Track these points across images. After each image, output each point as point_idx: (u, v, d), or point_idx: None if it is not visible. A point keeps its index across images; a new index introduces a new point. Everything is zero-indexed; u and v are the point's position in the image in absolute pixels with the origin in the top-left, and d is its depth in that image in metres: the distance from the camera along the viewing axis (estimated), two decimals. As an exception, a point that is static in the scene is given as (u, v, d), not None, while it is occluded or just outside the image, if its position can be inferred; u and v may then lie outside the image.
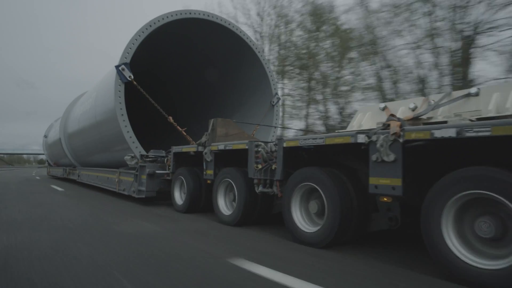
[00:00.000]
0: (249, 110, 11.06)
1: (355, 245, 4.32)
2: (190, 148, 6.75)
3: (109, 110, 8.88)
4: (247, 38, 10.19)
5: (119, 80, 8.35)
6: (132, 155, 8.79)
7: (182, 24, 9.26)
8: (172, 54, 10.91)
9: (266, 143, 5.25)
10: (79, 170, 13.96)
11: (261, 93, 10.80)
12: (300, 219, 4.43)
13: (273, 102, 10.60)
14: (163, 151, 8.52)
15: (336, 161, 4.41)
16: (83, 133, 12.24)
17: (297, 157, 4.77)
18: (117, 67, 8.34)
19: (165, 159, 7.88)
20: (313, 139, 4.17)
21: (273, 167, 4.90)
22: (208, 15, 9.46)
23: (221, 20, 9.72)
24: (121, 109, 8.34)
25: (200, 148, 6.51)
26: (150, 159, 8.16)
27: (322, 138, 4.06)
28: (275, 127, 10.79)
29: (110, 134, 9.55)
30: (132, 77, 8.45)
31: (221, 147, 5.87)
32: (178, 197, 7.16)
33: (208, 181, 6.38)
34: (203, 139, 6.37)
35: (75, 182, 15.20)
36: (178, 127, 8.64)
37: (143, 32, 8.55)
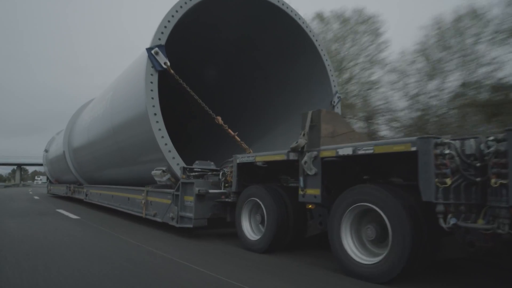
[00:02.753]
0: (304, 109, 8.62)
1: None
2: (274, 157, 4.29)
3: (135, 109, 6.42)
4: (303, 22, 7.88)
5: (152, 68, 5.93)
6: (164, 168, 6.32)
7: (221, 7, 7.02)
8: (203, 46, 8.53)
9: (458, 140, 2.81)
10: (87, 188, 11.34)
11: (317, 92, 8.43)
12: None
13: (333, 102, 8.22)
14: (212, 163, 6.05)
15: None
16: (93, 143, 9.70)
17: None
18: (149, 50, 5.93)
19: (221, 174, 5.40)
20: None
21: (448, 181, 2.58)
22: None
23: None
24: (153, 106, 5.88)
25: (292, 156, 4.07)
26: (195, 173, 5.68)
27: None
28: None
29: (133, 142, 7.06)
30: (169, 63, 6.04)
31: (345, 151, 3.44)
32: (249, 228, 4.66)
33: (310, 206, 3.96)
34: (301, 141, 3.93)
35: (84, 203, 12.01)
36: (230, 131, 6.20)
37: (181, 7, 6.20)
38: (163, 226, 6.34)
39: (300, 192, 3.97)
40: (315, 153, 3.81)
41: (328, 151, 3.64)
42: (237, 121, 10.05)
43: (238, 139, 6.16)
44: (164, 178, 6.42)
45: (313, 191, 3.82)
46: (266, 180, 5.25)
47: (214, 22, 7.63)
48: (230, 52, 8.83)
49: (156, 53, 5.93)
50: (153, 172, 6.62)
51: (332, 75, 8.32)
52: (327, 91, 8.33)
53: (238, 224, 4.71)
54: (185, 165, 5.90)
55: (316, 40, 8.12)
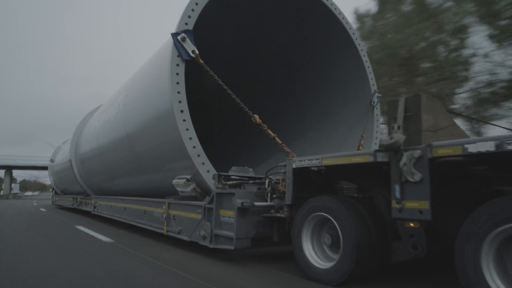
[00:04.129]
0: (338, 113, 7.58)
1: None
2: (352, 159, 3.16)
3: (157, 108, 5.32)
4: (339, 13, 6.85)
5: (178, 58, 4.85)
6: (188, 177, 5.21)
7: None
8: (230, 38, 7.49)
9: None
10: (95, 199, 10.18)
11: (354, 91, 7.36)
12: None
13: (373, 102, 7.14)
14: (251, 169, 4.93)
15: None
16: (103, 150, 8.59)
17: None
18: (174, 35, 4.87)
19: (266, 182, 4.26)
20: None
21: None
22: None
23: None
24: (180, 102, 4.79)
25: (382, 157, 2.96)
26: (232, 182, 4.55)
27: None
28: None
29: (152, 146, 5.96)
30: (197, 52, 4.97)
31: (481, 146, 2.33)
32: (312, 253, 3.50)
33: (411, 224, 2.84)
34: (399, 136, 2.82)
35: (98, 217, 10.13)
36: (269, 131, 5.09)
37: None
38: (197, 247, 5.17)
39: (395, 206, 2.85)
40: (418, 152, 2.71)
41: (446, 148, 2.53)
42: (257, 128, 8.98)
43: (279, 141, 5.05)
44: (189, 188, 5.30)
45: (417, 204, 2.70)
46: (321, 190, 4.14)
47: (242, 12, 6.61)
48: (254, 48, 7.80)
49: (183, 39, 4.87)
50: (174, 181, 5.51)
51: (370, 73, 7.26)
52: (365, 90, 7.26)
53: (298, 247, 3.56)
54: (216, 172, 4.80)
55: (353, 34, 7.08)
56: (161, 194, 6.53)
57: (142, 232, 6.85)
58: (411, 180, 2.75)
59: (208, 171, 4.86)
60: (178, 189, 5.53)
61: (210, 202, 4.51)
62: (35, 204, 23.78)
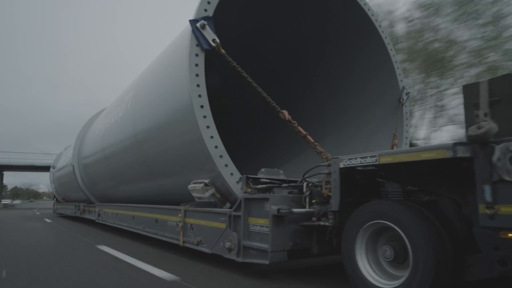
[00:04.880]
0: (361, 112, 7.02)
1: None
2: (424, 154, 2.58)
3: (173, 104, 4.77)
4: (365, 4, 6.33)
5: (197, 47, 4.31)
6: (207, 181, 4.66)
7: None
8: (240, 32, 6.96)
9: None
10: (99, 207, 9.58)
11: (379, 88, 6.82)
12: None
13: (402, 99, 6.59)
14: (281, 171, 4.35)
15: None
16: (108, 154, 8.03)
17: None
18: (193, 22, 4.34)
19: (304, 186, 3.68)
20: None
21: None
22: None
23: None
24: (200, 96, 4.24)
25: (462, 152, 2.39)
26: (263, 186, 3.97)
27: None
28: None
29: (166, 147, 5.39)
30: (218, 41, 4.43)
31: None
32: (369, 270, 2.91)
33: (510, 235, 2.26)
34: (491, 126, 2.25)
35: (114, 230, 8.47)
36: (300, 129, 4.53)
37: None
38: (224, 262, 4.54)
39: (485, 212, 2.29)
40: (517, 144, 2.14)
41: None
42: (276, 126, 8.42)
43: (311, 139, 4.48)
44: (207, 194, 4.75)
45: (519, 210, 2.13)
46: (364, 194, 3.58)
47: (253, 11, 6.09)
48: (265, 43, 7.27)
49: (203, 26, 4.33)
50: (190, 187, 4.95)
51: (398, 68, 6.72)
52: (393, 87, 6.71)
53: (351, 263, 2.98)
54: (244, 175, 4.24)
55: (380, 26, 6.55)
56: (173, 201, 5.96)
57: (195, 256, 5.03)
58: (508, 179, 2.18)
59: (231, 174, 4.29)
60: (195, 195, 4.97)
61: (237, 209, 3.93)
62: (37, 213, 22.32)
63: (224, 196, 4.78)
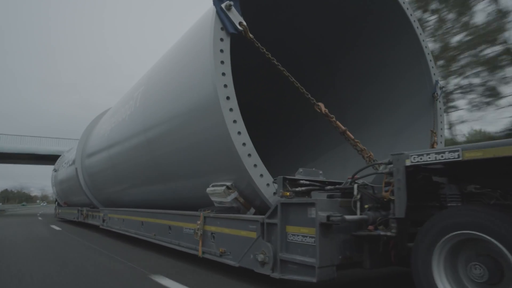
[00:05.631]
0: (389, 109, 6.45)
1: None
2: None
3: (193, 95, 4.20)
4: (396, -9, 5.78)
5: (222, 31, 3.75)
6: (229, 184, 4.11)
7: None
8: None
9: None
10: (104, 212, 8.99)
11: (410, 83, 6.25)
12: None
13: (436, 94, 6.02)
14: (321, 172, 3.77)
15: None
16: (115, 155, 7.45)
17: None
18: (217, 2, 3.78)
19: (355, 188, 3.08)
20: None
21: None
22: None
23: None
24: (225, 86, 3.67)
25: None
26: (302, 189, 3.38)
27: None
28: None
29: (180, 147, 4.82)
30: (245, 24, 3.87)
31: None
32: (452, 292, 2.33)
33: None
34: None
35: (147, 244, 6.57)
36: (339, 124, 3.95)
37: None
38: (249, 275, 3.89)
39: None
40: None
41: None
42: (299, 125, 7.86)
43: (351, 135, 3.91)
44: (229, 198, 4.19)
45: None
46: (423, 198, 3.01)
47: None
48: (283, 36, 6.71)
49: (228, 7, 3.77)
50: (209, 190, 4.39)
51: (430, 60, 6.16)
52: (425, 81, 6.15)
53: (428, 282, 2.38)
54: (270, 176, 3.66)
55: (411, 15, 6.00)
56: (187, 205, 5.39)
57: (214, 268, 4.42)
58: None
59: (261, 175, 3.71)
60: (214, 199, 4.41)
61: (272, 215, 3.34)
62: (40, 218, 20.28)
63: (248, 200, 4.21)
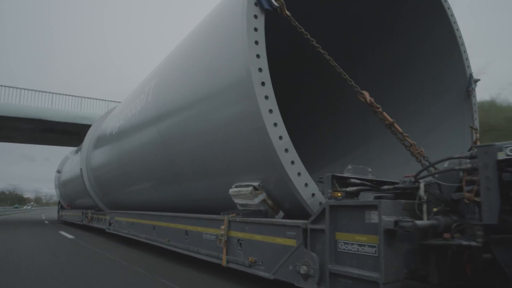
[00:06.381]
0: (415, 106, 5.95)
1: None
2: None
3: (217, 82, 3.70)
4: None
5: (255, 7, 3.25)
6: (256, 184, 3.62)
7: None
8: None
9: None
10: (111, 215, 8.47)
11: (442, 74, 5.75)
12: None
13: (472, 87, 5.53)
14: (370, 170, 3.25)
15: None
16: (124, 155, 6.95)
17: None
18: (249, -24, 3.27)
19: (421, 188, 2.57)
20: None
21: None
22: None
23: None
24: (260, 70, 3.17)
25: None
26: (353, 189, 2.87)
27: None
28: None
29: (201, 143, 4.30)
30: (283, 0, 3.37)
31: None
32: None
33: None
34: None
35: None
36: (386, 115, 3.45)
37: None
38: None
39: None
40: None
41: None
42: (321, 123, 7.37)
43: (399, 128, 3.41)
44: (257, 200, 3.70)
45: None
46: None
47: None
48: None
49: (262, -18, 3.28)
50: (233, 191, 3.91)
51: (464, 51, 5.66)
52: (458, 74, 5.65)
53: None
54: (308, 175, 3.16)
55: (445, 1, 5.50)
56: (203, 209, 4.89)
57: (242, 279, 3.93)
58: None
59: (299, 173, 3.20)
60: (238, 201, 3.91)
61: (317, 220, 2.83)
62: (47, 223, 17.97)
63: (276, 202, 3.71)
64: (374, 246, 2.39)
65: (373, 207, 2.42)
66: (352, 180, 2.88)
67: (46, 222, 18.09)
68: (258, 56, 3.16)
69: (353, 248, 2.55)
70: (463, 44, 5.62)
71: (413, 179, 2.64)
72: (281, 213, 3.75)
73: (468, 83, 5.54)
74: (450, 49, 5.57)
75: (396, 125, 3.38)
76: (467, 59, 5.66)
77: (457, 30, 5.58)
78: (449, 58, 5.61)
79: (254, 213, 3.85)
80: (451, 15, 5.53)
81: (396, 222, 2.26)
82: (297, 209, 3.50)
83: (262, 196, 3.70)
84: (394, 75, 6.24)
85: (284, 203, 3.66)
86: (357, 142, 6.75)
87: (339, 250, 2.66)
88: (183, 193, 5.36)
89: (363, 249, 2.48)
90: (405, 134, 3.41)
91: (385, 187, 2.83)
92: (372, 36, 6.12)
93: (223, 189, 4.06)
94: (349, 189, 2.80)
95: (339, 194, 2.70)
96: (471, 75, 5.64)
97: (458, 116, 5.63)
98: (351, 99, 6.77)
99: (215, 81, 3.69)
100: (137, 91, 7.01)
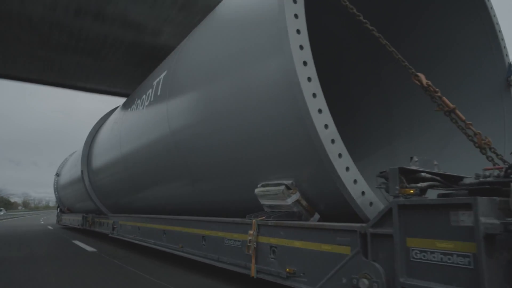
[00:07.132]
0: (459, 93, 5.43)
1: None
2: None
3: (254, 74, 3.19)
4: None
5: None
6: (288, 182, 3.11)
7: None
8: None
9: None
10: (114, 219, 7.89)
11: (480, 65, 5.27)
12: None
13: (511, 79, 5.05)
14: (436, 163, 2.72)
15: None
16: (129, 154, 6.40)
17: None
18: None
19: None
20: None
21: None
22: None
23: None
24: (301, 48, 2.66)
25: None
26: (423, 185, 2.35)
27: None
28: None
29: (220, 137, 3.77)
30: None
31: None
32: None
33: None
34: None
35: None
36: (446, 100, 2.94)
37: None
38: None
39: None
40: None
41: None
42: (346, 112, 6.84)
43: (462, 115, 2.90)
44: (289, 201, 3.20)
45: None
46: None
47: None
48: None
49: None
50: (259, 191, 3.43)
51: (502, 39, 5.19)
52: (495, 63, 5.17)
53: None
54: (357, 171, 2.64)
55: (482, -14, 5.03)
56: (220, 211, 4.36)
57: None
58: None
59: (347, 168, 2.68)
60: (266, 202, 3.41)
61: (380, 223, 2.30)
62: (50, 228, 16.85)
63: (311, 203, 3.20)
64: (467, 256, 1.87)
65: (464, 206, 1.90)
66: (423, 174, 2.35)
67: (49, 227, 16.79)
68: (301, 47, 2.65)
69: (433, 257, 2.02)
70: (500, 31, 5.16)
71: (502, 173, 2.12)
72: (316, 216, 3.24)
73: (507, 73, 5.07)
74: (489, 39, 5.11)
75: (457, 111, 2.87)
76: (505, 47, 5.20)
77: (494, 16, 5.12)
78: (485, 47, 5.14)
79: (284, 215, 3.33)
80: (491, 5, 5.07)
81: (505, 225, 1.73)
82: (335, 211, 3.00)
83: (296, 196, 3.20)
84: (428, 64, 5.75)
85: (319, 204, 3.16)
86: (380, 141, 6.25)
87: (412, 259, 2.13)
88: (195, 195, 4.81)
89: (449, 259, 1.95)
90: (469, 122, 2.90)
91: (466, 181, 2.31)
92: (388, 27, 5.63)
93: (246, 189, 3.55)
94: (420, 184, 2.27)
95: (412, 191, 2.17)
96: (510, 64, 5.17)
97: (495, 109, 5.15)
98: (373, 96, 6.30)
99: (246, 73, 3.17)
100: (143, 86, 6.49)
